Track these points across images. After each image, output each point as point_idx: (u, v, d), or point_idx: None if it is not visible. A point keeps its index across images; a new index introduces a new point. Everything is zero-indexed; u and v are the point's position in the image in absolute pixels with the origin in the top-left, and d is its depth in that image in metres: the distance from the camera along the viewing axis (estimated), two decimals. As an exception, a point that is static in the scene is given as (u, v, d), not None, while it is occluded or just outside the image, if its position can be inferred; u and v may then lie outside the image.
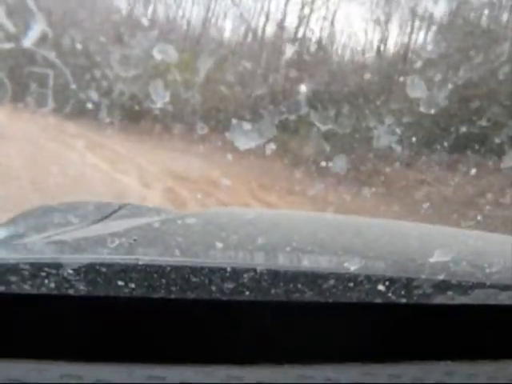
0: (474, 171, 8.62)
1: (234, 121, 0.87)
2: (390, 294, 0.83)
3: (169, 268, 0.77)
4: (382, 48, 13.90)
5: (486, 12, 12.11)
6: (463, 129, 8.27)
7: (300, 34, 14.48)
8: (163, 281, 0.76)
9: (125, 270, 0.75)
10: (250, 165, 6.48)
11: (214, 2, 16.07)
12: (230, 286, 0.78)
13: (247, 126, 0.88)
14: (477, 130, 7.35)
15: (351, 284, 0.82)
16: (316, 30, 15.13)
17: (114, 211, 1.43)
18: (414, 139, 7.36)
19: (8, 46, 0.85)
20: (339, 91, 10.75)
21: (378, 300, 0.83)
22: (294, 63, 11.81)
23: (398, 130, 1.03)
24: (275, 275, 0.80)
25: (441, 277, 0.85)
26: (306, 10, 14.52)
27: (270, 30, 15.18)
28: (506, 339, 0.85)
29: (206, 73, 1.05)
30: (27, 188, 5.96)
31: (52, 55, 0.91)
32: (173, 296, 0.77)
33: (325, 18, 14.51)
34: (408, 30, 13.58)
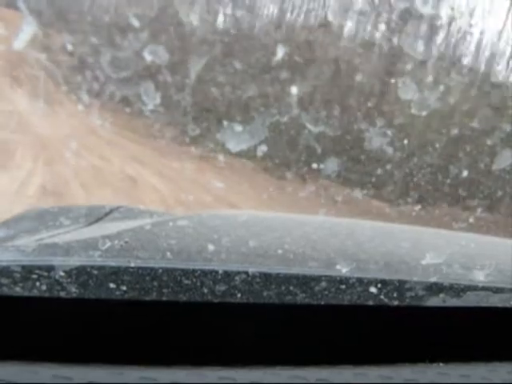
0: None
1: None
2: (382, 297, 0.83)
3: (160, 270, 0.76)
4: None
5: None
6: None
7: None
8: (155, 283, 0.76)
9: (116, 273, 0.75)
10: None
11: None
12: (221, 288, 0.78)
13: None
14: None
15: (343, 286, 0.82)
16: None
17: (107, 213, 1.42)
18: None
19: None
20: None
21: (370, 302, 0.83)
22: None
23: None
24: (267, 278, 0.80)
25: (433, 279, 0.86)
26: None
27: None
28: (498, 341, 0.85)
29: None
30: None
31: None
32: (164, 298, 0.76)
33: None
34: None
